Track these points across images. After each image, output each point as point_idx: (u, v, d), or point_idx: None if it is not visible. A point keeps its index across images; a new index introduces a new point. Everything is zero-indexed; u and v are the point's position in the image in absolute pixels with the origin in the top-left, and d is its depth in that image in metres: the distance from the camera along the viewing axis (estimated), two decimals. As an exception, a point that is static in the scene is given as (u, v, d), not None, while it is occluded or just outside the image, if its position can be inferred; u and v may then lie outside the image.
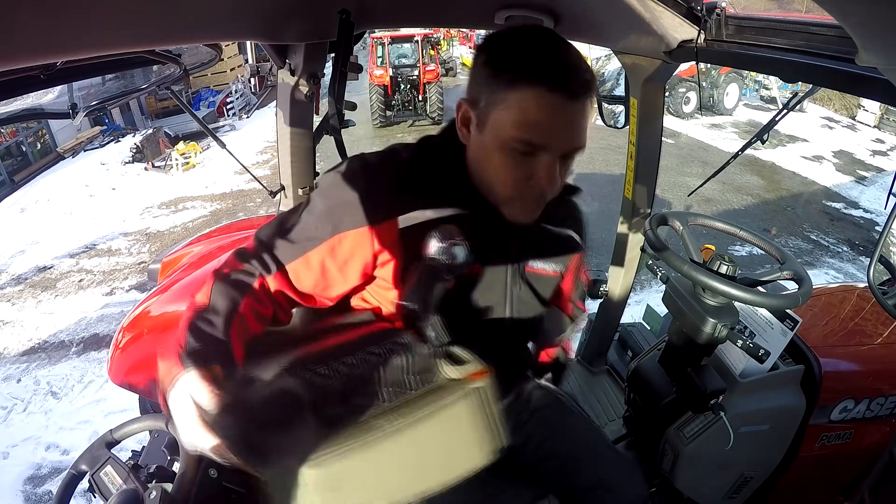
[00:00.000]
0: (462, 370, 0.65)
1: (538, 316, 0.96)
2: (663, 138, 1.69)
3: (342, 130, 1.50)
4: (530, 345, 1.13)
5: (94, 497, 0.91)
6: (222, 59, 4.44)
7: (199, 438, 0.59)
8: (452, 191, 0.79)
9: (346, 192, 0.75)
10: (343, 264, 0.76)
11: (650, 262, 1.49)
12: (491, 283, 0.85)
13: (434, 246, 0.68)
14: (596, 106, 0.70)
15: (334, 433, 0.56)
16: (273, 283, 0.75)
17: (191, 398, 0.60)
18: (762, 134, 1.46)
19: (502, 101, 0.69)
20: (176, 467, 0.93)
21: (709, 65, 8.38)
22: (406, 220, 0.75)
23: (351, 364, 0.60)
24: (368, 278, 0.80)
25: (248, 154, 8.93)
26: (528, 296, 0.92)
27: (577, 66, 0.70)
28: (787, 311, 1.30)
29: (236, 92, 11.86)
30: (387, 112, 10.22)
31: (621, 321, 2.12)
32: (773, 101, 11.45)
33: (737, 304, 1.30)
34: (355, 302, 0.86)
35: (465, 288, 0.78)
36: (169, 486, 0.87)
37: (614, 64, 1.70)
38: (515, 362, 1.07)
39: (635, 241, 1.81)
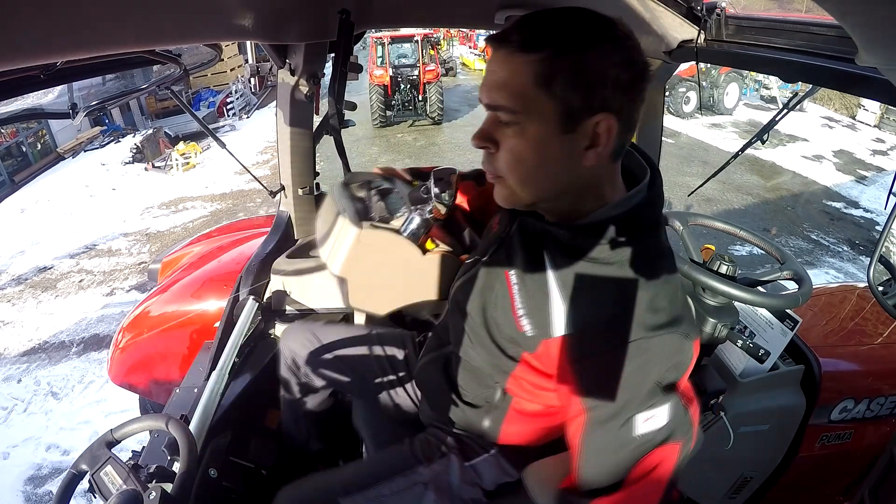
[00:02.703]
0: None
1: (469, 329, 0.82)
2: (663, 138, 1.69)
3: (342, 130, 1.50)
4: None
5: (94, 497, 0.91)
6: (222, 59, 4.44)
7: None
8: None
9: None
10: None
11: (650, 262, 1.48)
12: (479, 247, 0.90)
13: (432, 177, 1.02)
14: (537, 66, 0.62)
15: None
16: None
17: None
18: (762, 134, 1.46)
19: None
20: (176, 467, 0.93)
21: (709, 65, 8.37)
22: None
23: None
24: None
25: (248, 154, 8.93)
26: (476, 295, 0.81)
27: (527, 19, 0.65)
28: (787, 311, 1.30)
29: (236, 92, 11.85)
30: (387, 112, 10.21)
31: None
32: (773, 100, 11.45)
33: (737, 304, 1.30)
34: None
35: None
36: (169, 486, 0.87)
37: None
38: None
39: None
